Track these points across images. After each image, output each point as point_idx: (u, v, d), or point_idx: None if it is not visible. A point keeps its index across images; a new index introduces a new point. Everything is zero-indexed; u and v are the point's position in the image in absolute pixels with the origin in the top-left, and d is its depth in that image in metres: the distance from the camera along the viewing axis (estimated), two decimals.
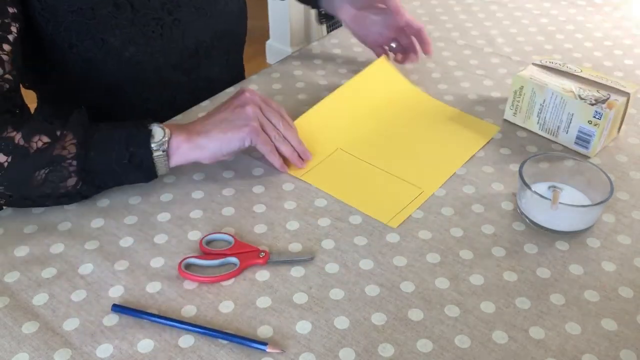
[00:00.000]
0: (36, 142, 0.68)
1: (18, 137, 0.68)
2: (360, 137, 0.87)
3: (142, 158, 0.71)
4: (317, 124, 0.87)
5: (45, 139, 0.69)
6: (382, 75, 0.96)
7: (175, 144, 0.72)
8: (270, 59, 2.77)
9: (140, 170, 0.72)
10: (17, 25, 0.75)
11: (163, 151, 0.71)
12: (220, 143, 0.74)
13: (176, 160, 0.73)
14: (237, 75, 1.09)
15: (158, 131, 0.71)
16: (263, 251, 0.68)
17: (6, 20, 0.73)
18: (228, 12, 0.94)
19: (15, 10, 0.74)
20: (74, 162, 0.69)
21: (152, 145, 0.70)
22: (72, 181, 0.70)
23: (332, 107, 0.90)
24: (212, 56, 0.96)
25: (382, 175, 0.80)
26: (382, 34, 0.97)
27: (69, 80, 0.86)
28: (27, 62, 0.88)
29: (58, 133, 0.69)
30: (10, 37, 0.73)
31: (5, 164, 0.67)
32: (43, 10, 0.79)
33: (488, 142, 0.86)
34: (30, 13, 0.79)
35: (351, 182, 0.79)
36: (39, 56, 0.84)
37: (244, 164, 0.82)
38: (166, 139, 0.71)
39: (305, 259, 0.68)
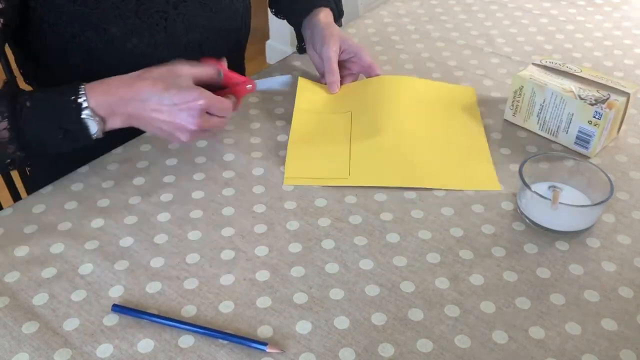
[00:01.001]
0: None
1: None
2: (375, 112, 0.88)
3: (77, 134, 0.71)
4: (367, 88, 0.94)
5: None
6: (457, 93, 0.97)
7: (111, 122, 0.73)
8: (270, 59, 2.77)
9: (77, 141, 0.72)
10: (1, 20, 0.75)
11: (96, 118, 0.71)
12: (151, 132, 0.78)
13: (110, 126, 0.74)
14: (237, 73, 1.09)
15: (91, 124, 0.71)
16: (249, 83, 0.79)
17: None
18: (233, 10, 0.95)
19: (3, 6, 0.74)
20: (10, 146, 0.70)
21: (84, 119, 0.70)
22: (14, 157, 0.71)
23: (395, 82, 0.95)
24: (215, 53, 0.96)
25: (342, 146, 0.83)
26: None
27: (70, 71, 0.86)
28: (28, 52, 0.88)
29: None
30: None
31: None
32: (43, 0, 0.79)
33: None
34: (32, 4, 0.79)
35: (316, 136, 0.84)
36: (40, 47, 0.84)
37: (244, 164, 0.82)
38: (98, 118, 0.71)
39: (286, 79, 0.82)
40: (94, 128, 0.71)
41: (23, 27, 0.81)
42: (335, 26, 0.98)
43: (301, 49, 1.05)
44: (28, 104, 0.70)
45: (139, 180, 0.79)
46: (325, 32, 0.94)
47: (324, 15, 0.99)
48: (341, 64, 0.96)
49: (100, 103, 0.71)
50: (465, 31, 1.15)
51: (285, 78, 0.84)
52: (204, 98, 0.73)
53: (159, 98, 0.72)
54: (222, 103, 0.76)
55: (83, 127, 0.71)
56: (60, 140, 0.71)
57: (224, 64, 0.80)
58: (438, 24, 1.18)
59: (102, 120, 0.72)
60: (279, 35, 2.71)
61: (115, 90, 0.72)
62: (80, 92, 0.71)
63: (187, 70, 0.75)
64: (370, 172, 0.79)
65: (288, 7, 1.06)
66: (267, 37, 2.77)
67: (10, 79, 0.73)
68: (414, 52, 1.09)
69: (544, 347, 0.59)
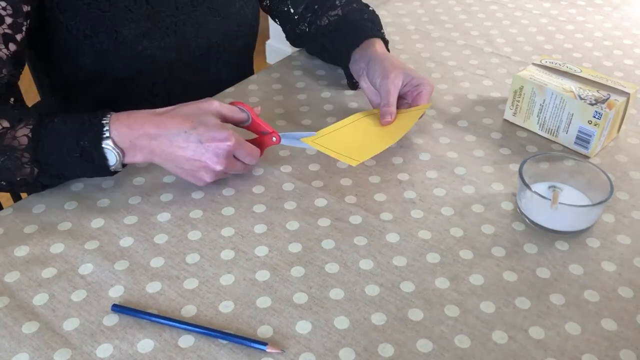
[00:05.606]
0: None
1: None
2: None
3: (92, 153, 0.69)
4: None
5: (5, 124, 0.69)
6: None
7: (130, 157, 0.72)
8: (270, 59, 2.77)
9: (92, 164, 0.70)
10: (28, 22, 0.77)
11: (115, 147, 0.70)
12: (171, 170, 0.75)
13: (129, 160, 0.72)
14: (244, 77, 1.09)
15: (110, 155, 0.70)
16: (275, 135, 0.78)
17: (19, 20, 0.75)
18: (242, 16, 0.95)
19: (29, 8, 0.76)
20: (26, 154, 0.69)
21: (104, 148, 0.69)
22: (27, 171, 0.70)
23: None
24: (222, 57, 0.96)
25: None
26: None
27: (81, 71, 0.87)
28: (40, 52, 0.89)
29: (19, 119, 0.70)
30: (19, 37, 0.76)
31: None
32: (60, 1, 0.80)
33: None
34: (47, 4, 0.80)
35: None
36: (53, 46, 0.84)
37: None
38: (117, 141, 0.70)
39: (313, 134, 0.80)
40: (112, 159, 0.70)
41: (36, 27, 0.82)
42: (395, 58, 0.89)
43: (352, 84, 0.97)
44: (56, 120, 0.70)
45: (139, 180, 0.79)
46: (385, 63, 0.86)
47: (379, 46, 0.91)
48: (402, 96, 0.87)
49: (123, 135, 0.70)
50: (465, 31, 1.15)
51: (313, 134, 0.80)
52: (233, 140, 0.72)
53: (186, 135, 0.70)
54: (251, 149, 0.75)
55: (101, 153, 0.70)
56: (77, 159, 0.69)
57: (257, 110, 0.78)
58: (438, 24, 1.18)
59: (122, 152, 0.71)
60: (279, 35, 2.70)
61: (140, 126, 0.71)
62: (105, 119, 0.70)
63: (217, 109, 0.74)
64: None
65: (331, 43, 0.98)
66: (267, 37, 2.77)
67: (50, 101, 0.74)
68: (414, 52, 1.09)
69: (543, 347, 0.59)
